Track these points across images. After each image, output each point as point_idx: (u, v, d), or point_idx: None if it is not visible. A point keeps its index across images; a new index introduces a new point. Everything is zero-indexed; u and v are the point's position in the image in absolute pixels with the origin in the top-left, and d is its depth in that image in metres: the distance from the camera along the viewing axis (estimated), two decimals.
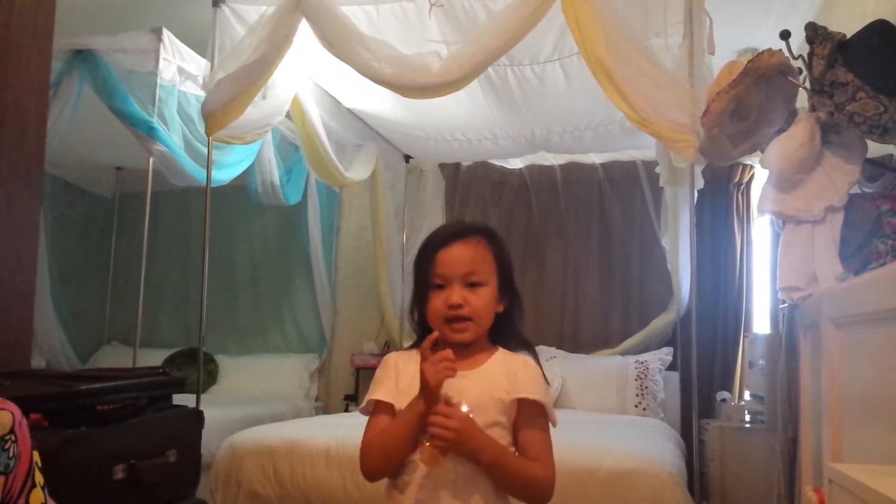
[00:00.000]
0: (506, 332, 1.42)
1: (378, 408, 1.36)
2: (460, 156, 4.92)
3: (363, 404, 1.39)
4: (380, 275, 4.95)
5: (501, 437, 1.31)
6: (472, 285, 1.35)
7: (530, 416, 1.32)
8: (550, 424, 1.35)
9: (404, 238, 5.17)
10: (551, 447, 1.34)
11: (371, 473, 1.34)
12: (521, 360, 1.38)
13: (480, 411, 1.29)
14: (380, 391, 1.36)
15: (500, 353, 1.39)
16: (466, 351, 1.37)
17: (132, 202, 5.52)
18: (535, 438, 1.32)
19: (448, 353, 1.26)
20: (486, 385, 1.32)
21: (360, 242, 5.37)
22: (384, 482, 1.36)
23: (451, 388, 1.30)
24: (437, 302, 1.35)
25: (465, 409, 1.26)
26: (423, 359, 1.27)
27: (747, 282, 4.46)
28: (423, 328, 1.41)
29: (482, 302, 1.35)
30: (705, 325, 4.22)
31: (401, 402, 1.33)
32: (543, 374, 1.38)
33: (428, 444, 1.26)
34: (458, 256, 1.36)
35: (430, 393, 1.25)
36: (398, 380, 1.36)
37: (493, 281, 1.37)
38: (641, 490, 2.37)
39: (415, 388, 1.29)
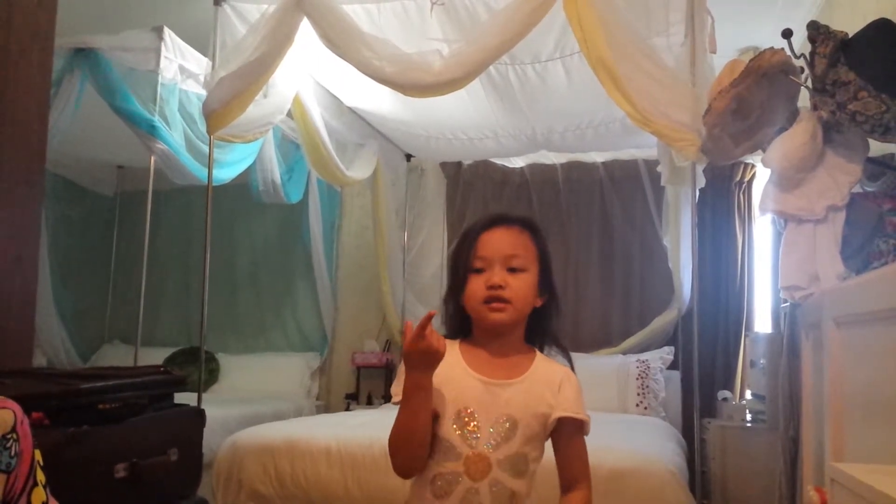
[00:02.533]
0: (541, 330, 1.40)
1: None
2: (461, 154, 4.92)
3: (392, 400, 1.35)
4: (381, 273, 4.95)
5: (536, 448, 1.30)
6: (513, 270, 1.32)
7: (572, 432, 1.32)
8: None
9: (405, 237, 5.17)
10: (587, 455, 1.35)
11: (401, 468, 1.29)
12: (564, 372, 1.35)
13: (524, 425, 1.28)
14: (399, 388, 1.32)
15: (540, 360, 1.36)
16: (503, 348, 1.34)
17: (133, 201, 5.53)
18: (576, 456, 1.34)
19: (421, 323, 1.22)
20: (531, 398, 1.30)
21: (362, 241, 5.38)
22: (413, 487, 1.33)
23: (500, 398, 1.29)
24: (476, 284, 1.32)
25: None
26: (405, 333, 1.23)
27: (749, 281, 4.46)
28: (457, 321, 1.38)
29: (522, 288, 1.32)
30: (706, 324, 4.21)
31: (439, 392, 1.29)
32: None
33: (470, 455, 1.25)
34: (502, 239, 1.34)
35: (408, 360, 1.23)
36: None
37: (533, 270, 1.35)
38: (643, 489, 2.37)
39: (453, 377, 1.29)
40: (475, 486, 1.25)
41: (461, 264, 1.35)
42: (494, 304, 1.30)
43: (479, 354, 1.35)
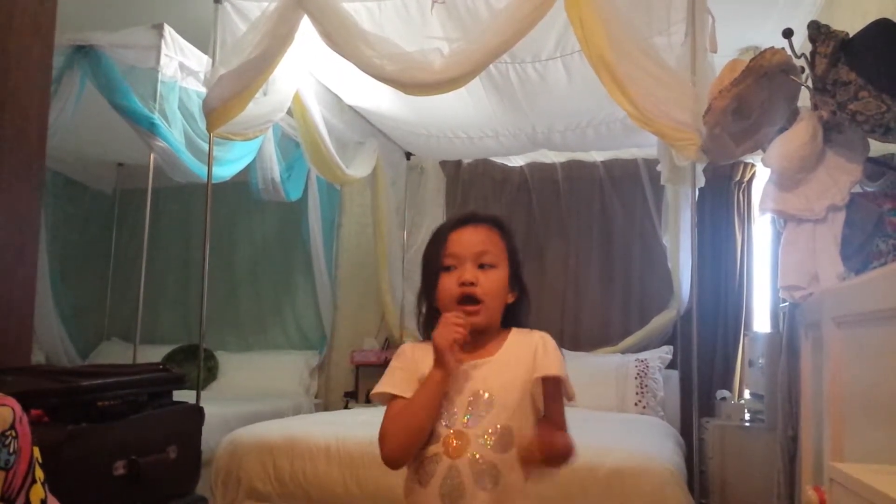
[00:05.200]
0: (514, 324, 1.41)
1: (391, 399, 1.34)
2: (461, 153, 4.92)
3: (375, 391, 1.35)
4: (380, 272, 4.95)
5: (522, 420, 1.31)
6: (484, 267, 1.35)
7: (556, 391, 1.35)
8: (566, 398, 1.37)
9: (405, 235, 5.17)
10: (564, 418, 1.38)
11: (392, 457, 1.30)
12: (539, 335, 1.38)
13: (507, 397, 1.30)
14: (395, 384, 1.34)
15: (514, 333, 1.39)
16: (481, 340, 1.36)
17: (133, 198, 5.53)
18: (559, 411, 1.36)
19: (457, 314, 1.29)
20: (509, 369, 1.33)
21: (361, 239, 5.37)
22: (404, 477, 1.34)
23: (475, 377, 1.31)
24: (449, 282, 1.34)
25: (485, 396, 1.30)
26: (443, 321, 1.29)
27: (748, 280, 4.46)
28: (430, 323, 1.39)
29: (494, 284, 1.35)
30: (705, 323, 4.21)
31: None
32: None
33: (448, 434, 1.26)
34: (471, 237, 1.37)
35: (442, 358, 1.27)
36: (416, 370, 1.34)
37: (504, 267, 1.38)
38: (641, 488, 2.37)
39: (424, 373, 1.31)
40: (455, 464, 1.26)
41: (434, 265, 1.37)
42: (467, 308, 1.33)
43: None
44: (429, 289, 1.38)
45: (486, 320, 1.35)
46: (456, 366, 1.29)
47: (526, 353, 1.35)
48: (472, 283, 1.33)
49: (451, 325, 1.28)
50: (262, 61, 2.93)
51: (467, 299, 1.33)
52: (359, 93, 3.94)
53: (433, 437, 1.29)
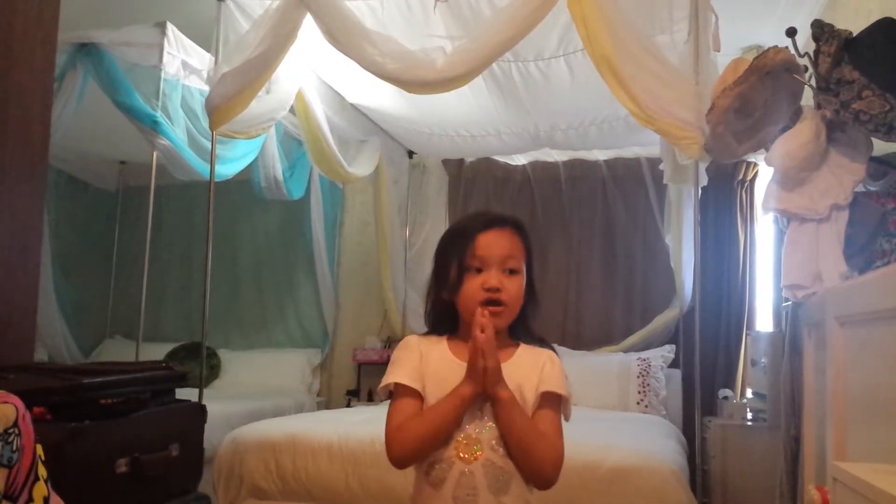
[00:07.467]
0: (521, 327, 1.41)
1: (402, 391, 1.33)
2: (464, 152, 4.92)
3: (383, 384, 1.35)
4: (382, 270, 4.95)
5: None
6: (508, 272, 1.35)
7: (547, 401, 1.33)
8: (563, 417, 1.35)
9: (407, 234, 5.17)
10: (562, 431, 1.33)
11: (401, 460, 1.30)
12: (547, 354, 1.38)
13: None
14: (403, 374, 1.33)
15: (523, 348, 1.39)
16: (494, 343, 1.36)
17: (135, 196, 5.52)
18: (546, 416, 1.32)
19: (482, 312, 1.27)
20: (518, 379, 1.32)
21: (363, 238, 5.38)
22: (413, 478, 1.34)
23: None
24: (474, 285, 1.33)
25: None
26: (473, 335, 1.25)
27: (750, 279, 4.46)
28: (441, 315, 1.41)
29: (517, 289, 1.35)
30: (708, 322, 4.20)
31: (429, 387, 1.31)
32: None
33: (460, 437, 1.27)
34: (499, 241, 1.36)
35: (474, 367, 1.25)
36: (423, 364, 1.34)
37: (523, 271, 1.38)
38: (643, 487, 2.37)
39: (442, 373, 1.31)
40: (469, 469, 1.26)
41: (457, 263, 1.36)
42: (491, 309, 1.32)
43: (466, 346, 1.35)
44: (443, 282, 1.38)
45: (505, 325, 1.36)
46: (491, 374, 1.26)
47: (534, 368, 1.35)
48: (497, 290, 1.32)
49: (484, 321, 1.26)
50: (265, 59, 2.93)
51: (491, 304, 1.33)
52: (361, 91, 3.94)
53: (444, 440, 1.28)
